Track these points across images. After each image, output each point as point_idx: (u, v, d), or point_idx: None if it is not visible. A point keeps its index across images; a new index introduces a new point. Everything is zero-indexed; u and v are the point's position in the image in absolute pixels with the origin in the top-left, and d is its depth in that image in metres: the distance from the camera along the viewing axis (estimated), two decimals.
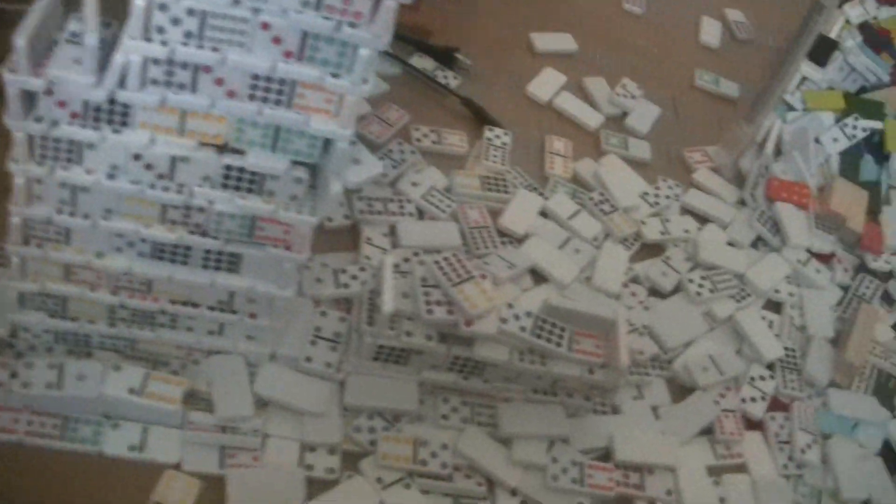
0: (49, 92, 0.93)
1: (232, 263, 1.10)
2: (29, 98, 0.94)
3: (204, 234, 1.06)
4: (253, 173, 1.02)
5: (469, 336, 1.19)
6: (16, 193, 1.01)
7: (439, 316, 1.17)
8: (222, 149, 1.00)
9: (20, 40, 0.89)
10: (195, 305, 1.14)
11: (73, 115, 0.95)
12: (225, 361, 1.20)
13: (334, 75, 0.94)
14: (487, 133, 1.64)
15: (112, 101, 0.95)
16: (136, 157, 0.99)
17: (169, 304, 1.14)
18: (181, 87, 0.95)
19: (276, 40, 0.92)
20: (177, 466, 1.14)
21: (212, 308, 1.15)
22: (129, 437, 1.14)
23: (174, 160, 1.00)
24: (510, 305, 1.20)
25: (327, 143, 1.01)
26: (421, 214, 1.47)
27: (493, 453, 1.23)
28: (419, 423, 1.25)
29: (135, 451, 1.13)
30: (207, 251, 1.08)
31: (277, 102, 0.96)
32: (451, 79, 1.74)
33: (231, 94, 0.96)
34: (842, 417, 1.48)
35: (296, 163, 1.02)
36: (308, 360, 1.22)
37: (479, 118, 1.68)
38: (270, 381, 1.20)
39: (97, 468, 1.12)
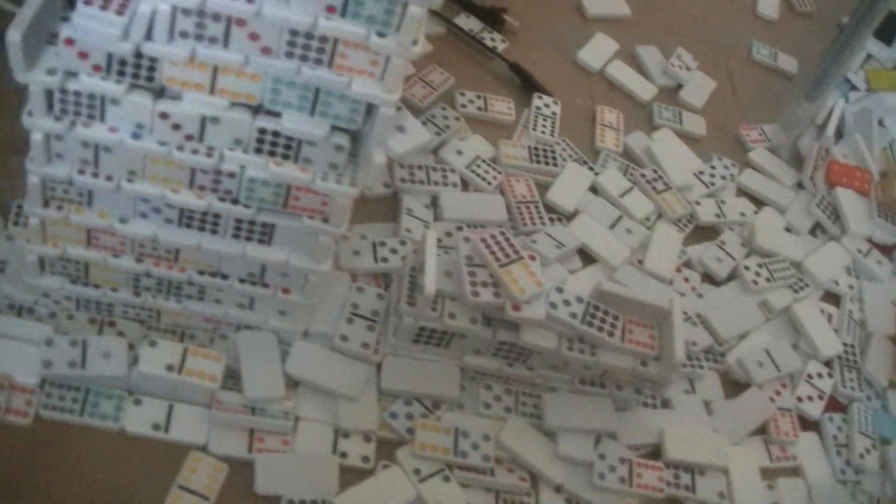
0: (69, 41, 0.85)
1: (264, 234, 1.02)
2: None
3: (235, 201, 0.98)
4: (289, 138, 0.93)
5: (515, 321, 1.11)
6: (33, 150, 0.93)
7: (485, 299, 1.09)
8: (256, 110, 0.92)
9: (14, 35, 0.82)
10: (224, 277, 1.07)
11: (95, 68, 0.87)
12: (255, 338, 1.13)
13: (380, 34, 0.86)
14: (536, 101, 1.57)
15: (138, 55, 0.86)
16: (163, 115, 0.91)
17: (197, 274, 1.06)
18: (212, 40, 0.87)
19: None
20: (203, 448, 1.07)
21: (242, 280, 1.08)
22: (153, 414, 1.08)
23: (204, 120, 0.92)
24: (560, 289, 1.12)
25: (370, 109, 0.92)
26: (465, 185, 1.40)
27: (538, 447, 1.16)
28: (459, 411, 1.18)
29: (159, 430, 1.07)
30: (238, 220, 1.01)
31: (317, 62, 0.88)
32: (497, 41, 1.66)
33: (266, 51, 0.87)
34: None
35: (335, 128, 0.93)
36: (344, 339, 1.15)
37: (526, 84, 1.60)
38: (303, 361, 1.13)
39: (118, 446, 1.05)
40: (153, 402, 1.08)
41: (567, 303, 1.12)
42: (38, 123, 0.90)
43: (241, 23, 0.85)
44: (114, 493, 1.02)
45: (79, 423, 1.05)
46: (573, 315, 1.12)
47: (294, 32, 0.86)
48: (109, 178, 0.96)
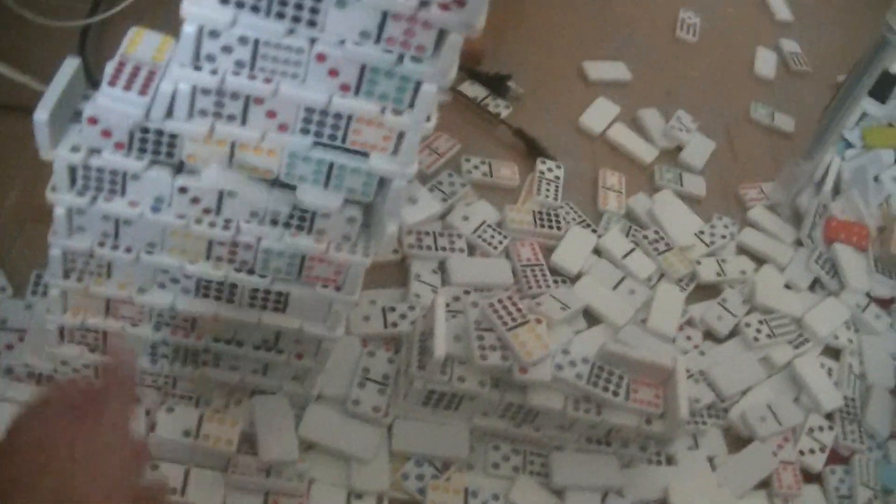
0: (93, 121, 0.88)
1: (279, 302, 1.05)
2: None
3: (251, 271, 1.01)
4: (304, 210, 0.97)
5: (523, 383, 1.14)
6: (55, 224, 0.96)
7: (493, 362, 1.12)
8: (272, 184, 0.96)
9: (41, 115, 0.85)
10: (240, 344, 1.10)
11: (118, 146, 0.91)
12: (269, 402, 1.15)
13: (395, 112, 0.89)
14: (540, 165, 1.60)
15: (159, 132, 0.90)
16: (182, 189, 0.94)
17: (213, 341, 1.09)
18: (231, 118, 0.90)
19: (333, 72, 0.87)
20: None
21: (257, 347, 1.11)
22: (170, 479, 1.10)
23: (221, 194, 0.95)
24: (566, 351, 1.16)
25: (382, 181, 0.95)
26: (472, 250, 1.43)
27: None
28: (469, 471, 1.20)
29: (175, 494, 1.09)
30: (254, 289, 1.04)
31: (332, 137, 0.91)
32: (502, 107, 1.69)
33: (283, 128, 0.91)
34: None
35: (348, 201, 0.96)
36: (356, 403, 1.18)
37: (530, 149, 1.64)
38: (316, 424, 1.16)
39: None
40: (170, 467, 1.10)
41: (573, 364, 1.15)
42: (61, 198, 0.93)
43: (259, 101, 0.88)
44: None
45: None
46: (579, 376, 1.15)
47: (310, 110, 0.89)
48: (129, 250, 0.99)
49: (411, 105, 0.89)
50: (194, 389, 1.16)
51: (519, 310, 1.16)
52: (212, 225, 0.97)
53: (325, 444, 1.15)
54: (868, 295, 1.64)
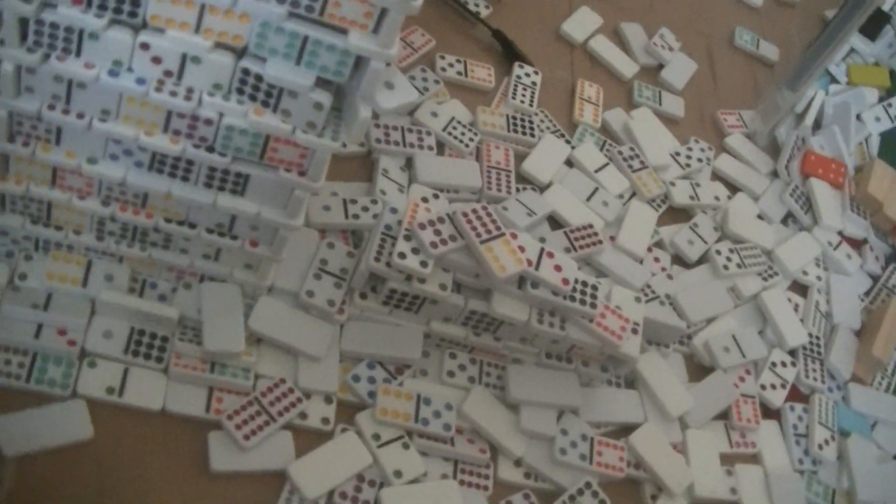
0: None
1: (237, 184, 0.99)
2: None
3: (210, 149, 0.95)
4: (270, 86, 0.90)
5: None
6: (2, 81, 0.89)
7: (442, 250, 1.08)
8: (240, 54, 0.89)
9: None
10: (192, 226, 1.04)
11: (76, 1, 0.84)
12: (219, 290, 1.10)
13: None
14: (517, 70, 1.54)
15: None
16: (144, 45, 0.87)
17: (164, 221, 1.03)
18: None
19: None
20: (160, 413, 1.04)
21: (210, 230, 1.04)
22: (107, 378, 1.04)
23: (185, 59, 0.88)
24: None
25: (358, 61, 0.89)
26: (441, 148, 1.37)
27: (500, 419, 1.14)
28: (423, 378, 1.16)
29: (113, 393, 1.03)
30: (212, 168, 0.97)
31: (309, 9, 0.85)
32: (481, 6, 1.63)
33: None
34: (861, 415, 1.41)
35: (320, 81, 0.90)
36: (310, 294, 1.12)
37: (508, 52, 1.58)
38: (267, 317, 1.10)
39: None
40: (107, 364, 1.04)
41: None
42: (9, 54, 0.86)
43: None
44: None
45: (25, 389, 1.01)
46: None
47: None
48: (81, 116, 0.92)
49: None
50: (141, 271, 1.09)
51: (494, 222, 1.10)
52: (172, 94, 0.90)
53: (274, 339, 1.09)
54: (840, 234, 1.60)
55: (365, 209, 1.23)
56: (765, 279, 1.47)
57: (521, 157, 1.42)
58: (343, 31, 0.86)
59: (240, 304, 1.10)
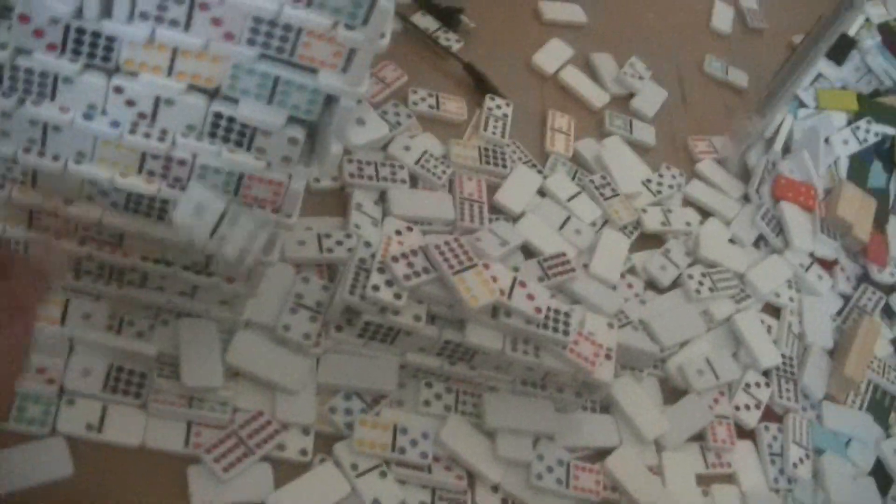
0: (25, 18, 0.83)
1: None
2: None
3: (185, 188, 0.96)
4: (243, 126, 0.92)
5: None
6: None
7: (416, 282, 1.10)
8: (213, 95, 0.91)
9: None
10: (168, 264, 1.05)
11: (50, 47, 0.85)
12: (196, 326, 1.11)
13: (348, 27, 0.84)
14: (488, 102, 1.56)
15: (95, 34, 0.85)
16: (117, 89, 0.89)
17: (140, 260, 1.04)
18: (173, 23, 0.85)
19: None
20: (139, 448, 1.05)
21: (186, 268, 1.06)
22: (86, 415, 1.05)
23: (158, 101, 0.90)
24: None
25: (329, 100, 0.91)
26: (414, 182, 1.39)
27: (476, 446, 1.16)
28: (399, 408, 1.17)
29: (93, 430, 1.04)
30: None
31: (280, 50, 0.87)
32: (453, 41, 1.65)
33: (229, 37, 0.86)
34: (835, 433, 1.43)
35: (292, 119, 0.92)
36: (286, 328, 1.14)
37: (480, 85, 1.60)
38: (244, 351, 1.12)
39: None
40: (86, 402, 1.05)
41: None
42: None
43: (205, 7, 0.83)
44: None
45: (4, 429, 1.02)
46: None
47: (258, 19, 0.84)
48: (56, 159, 0.94)
49: (365, 21, 0.84)
50: (118, 309, 1.10)
51: (466, 252, 1.12)
52: (146, 136, 0.92)
53: (252, 373, 1.11)
54: (812, 255, 1.62)
55: (339, 243, 1.25)
56: (737, 302, 1.49)
57: (493, 189, 1.44)
58: (313, 71, 0.88)
59: (217, 340, 1.11)
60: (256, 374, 1.11)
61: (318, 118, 0.92)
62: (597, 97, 1.70)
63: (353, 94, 0.88)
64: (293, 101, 0.90)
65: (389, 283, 1.10)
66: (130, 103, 0.90)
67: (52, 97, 0.89)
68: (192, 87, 0.90)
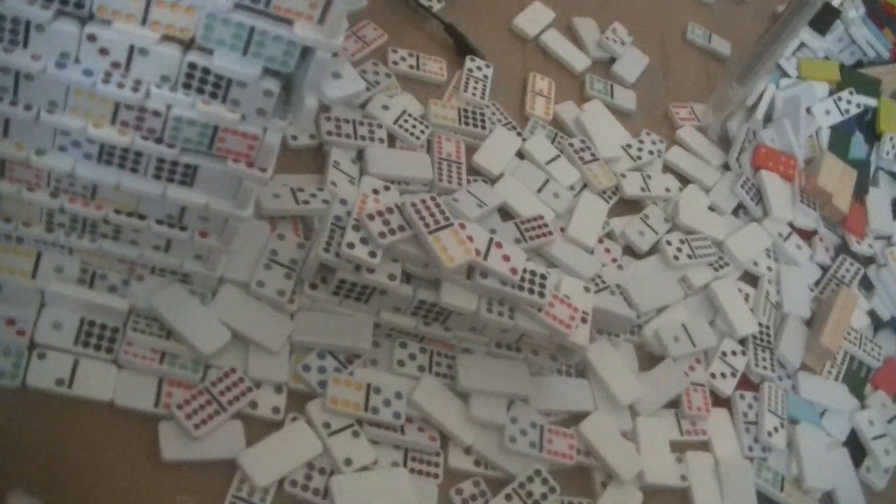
0: None
1: (186, 175, 0.99)
2: None
3: (158, 140, 0.95)
4: (218, 77, 0.91)
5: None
6: None
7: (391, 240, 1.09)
8: (187, 46, 0.89)
9: None
10: (142, 217, 1.04)
11: None
12: (170, 295, 1.10)
13: None
14: (469, 63, 1.55)
15: None
16: (91, 37, 0.87)
17: (113, 213, 1.03)
18: None
19: None
20: (109, 404, 1.04)
21: (160, 222, 1.04)
22: (57, 369, 1.04)
23: (132, 51, 0.89)
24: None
25: (305, 52, 0.90)
26: (392, 141, 1.38)
27: (450, 407, 1.15)
28: (373, 367, 1.16)
29: (62, 385, 1.03)
30: (161, 160, 0.97)
31: (255, 0, 0.85)
32: (434, 1, 1.63)
33: None
34: (811, 403, 1.43)
35: (267, 71, 0.91)
36: (260, 284, 1.13)
37: (460, 46, 1.58)
38: (230, 308, 1.11)
39: (18, 403, 1.02)
40: (57, 356, 1.04)
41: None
42: None
43: None
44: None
45: None
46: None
47: None
48: (28, 108, 0.92)
49: None
50: (91, 263, 1.09)
51: (443, 212, 1.11)
52: (120, 86, 0.90)
53: (234, 329, 1.10)
54: (790, 225, 1.62)
55: (313, 195, 1.24)
56: (715, 269, 1.49)
57: (472, 150, 1.43)
58: (289, 22, 0.87)
59: (195, 300, 1.10)
60: (242, 332, 1.10)
61: (294, 70, 0.91)
62: (578, 61, 1.69)
63: (329, 45, 0.87)
64: (268, 53, 0.89)
65: (364, 241, 1.09)
66: (104, 52, 0.89)
67: (25, 45, 0.88)
68: (167, 37, 0.88)
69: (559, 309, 1.16)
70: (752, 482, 1.30)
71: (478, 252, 1.11)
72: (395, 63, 1.49)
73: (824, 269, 1.62)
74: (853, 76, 1.89)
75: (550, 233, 1.33)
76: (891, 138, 1.84)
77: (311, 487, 1.05)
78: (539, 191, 1.42)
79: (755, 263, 1.53)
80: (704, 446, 1.32)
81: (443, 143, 1.39)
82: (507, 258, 1.12)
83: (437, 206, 1.12)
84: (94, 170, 0.98)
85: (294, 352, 1.13)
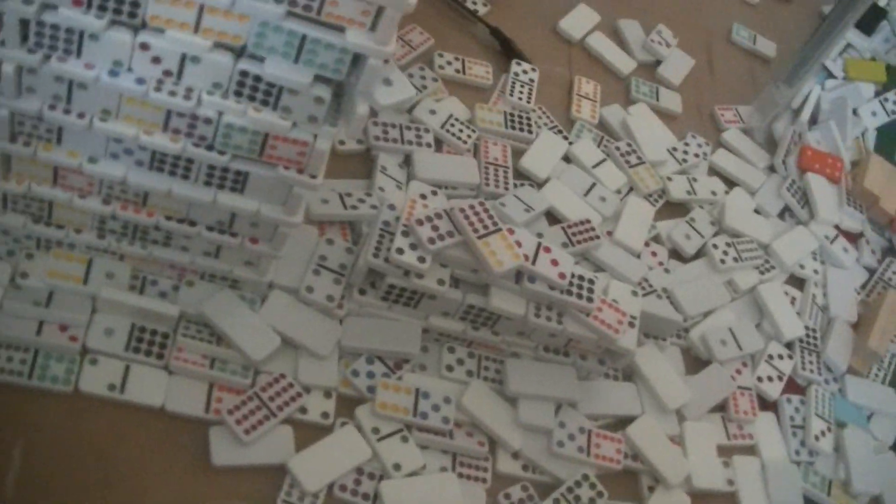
0: None
1: (237, 182, 1.00)
2: None
3: (210, 147, 0.96)
4: (270, 84, 0.91)
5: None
6: (3, 82, 0.90)
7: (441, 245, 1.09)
8: (239, 53, 0.90)
9: None
10: (192, 224, 1.05)
11: (76, 2, 0.85)
12: (221, 302, 1.11)
13: None
14: (514, 67, 1.55)
15: None
16: (144, 46, 0.88)
17: (164, 219, 1.04)
18: None
19: None
20: (160, 409, 1.05)
21: (210, 228, 1.05)
22: (108, 375, 1.05)
23: (184, 59, 0.89)
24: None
25: (356, 59, 0.90)
26: (439, 145, 1.38)
27: (498, 412, 1.15)
28: (421, 372, 1.17)
29: (115, 390, 1.04)
30: (211, 167, 0.98)
31: (307, 8, 0.86)
32: (479, 4, 1.64)
33: None
34: (858, 406, 1.42)
35: (318, 78, 0.91)
36: (309, 290, 1.13)
37: (506, 50, 1.59)
38: (277, 312, 1.12)
39: (71, 408, 1.03)
40: (108, 361, 1.06)
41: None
42: (10, 55, 0.87)
43: None
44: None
45: (27, 386, 1.02)
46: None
47: None
48: (82, 116, 0.93)
49: None
50: (141, 269, 1.10)
51: (491, 217, 1.11)
52: (172, 94, 0.91)
53: (284, 334, 1.11)
54: (837, 227, 1.61)
55: (361, 201, 1.24)
56: (762, 273, 1.48)
57: (518, 154, 1.43)
58: (340, 30, 0.87)
59: (245, 306, 1.11)
60: (292, 337, 1.11)
61: (345, 78, 0.91)
62: (623, 64, 1.69)
63: (381, 52, 0.87)
64: (320, 60, 0.89)
65: (413, 247, 1.09)
66: (156, 60, 0.89)
67: (78, 54, 0.89)
68: (219, 45, 0.89)
69: (607, 313, 1.16)
70: (799, 486, 1.29)
71: (526, 257, 1.11)
72: (442, 67, 1.49)
73: (871, 271, 1.61)
74: None
75: (597, 236, 1.33)
76: None
77: (360, 492, 1.06)
78: (585, 194, 1.42)
79: (801, 266, 1.53)
80: (751, 450, 1.31)
81: (489, 147, 1.39)
82: (555, 263, 1.12)
83: (486, 211, 1.12)
84: (146, 177, 0.99)
85: (343, 357, 1.14)
